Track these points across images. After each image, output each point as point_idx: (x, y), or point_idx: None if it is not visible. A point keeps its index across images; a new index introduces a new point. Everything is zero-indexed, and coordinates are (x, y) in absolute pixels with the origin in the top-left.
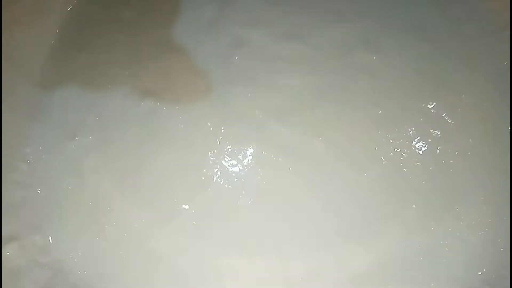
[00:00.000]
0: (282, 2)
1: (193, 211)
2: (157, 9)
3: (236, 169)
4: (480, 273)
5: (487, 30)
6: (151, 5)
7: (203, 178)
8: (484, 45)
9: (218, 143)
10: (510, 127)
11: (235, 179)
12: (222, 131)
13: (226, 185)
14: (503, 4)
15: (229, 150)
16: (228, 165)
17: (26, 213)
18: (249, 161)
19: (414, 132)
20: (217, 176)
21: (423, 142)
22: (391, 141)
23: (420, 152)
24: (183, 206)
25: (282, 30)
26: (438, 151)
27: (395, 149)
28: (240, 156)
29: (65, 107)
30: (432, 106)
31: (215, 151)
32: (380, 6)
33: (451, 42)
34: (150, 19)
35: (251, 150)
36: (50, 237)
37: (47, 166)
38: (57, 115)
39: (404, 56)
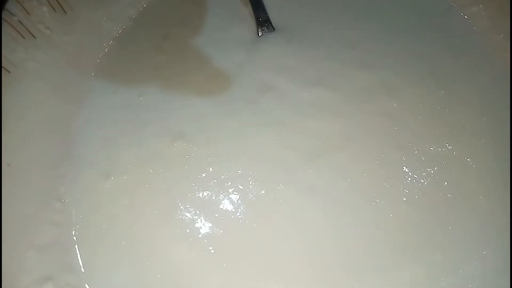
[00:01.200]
0: (306, 50)
1: (223, 252)
2: (188, 54)
3: (265, 210)
4: None
5: (500, 78)
6: (183, 50)
7: (233, 217)
8: (497, 92)
9: (248, 184)
10: None
11: (265, 219)
12: (251, 172)
13: (255, 225)
14: None
15: (259, 192)
16: (258, 206)
17: (61, 252)
18: (279, 203)
19: (438, 175)
20: (248, 216)
21: (448, 186)
22: (415, 184)
23: (446, 195)
24: (210, 248)
25: (307, 76)
26: (464, 194)
27: (421, 192)
28: (269, 198)
29: (101, 147)
30: (454, 149)
31: (246, 193)
32: (399, 55)
33: (467, 89)
34: (181, 64)
35: (280, 192)
36: (83, 276)
37: (82, 205)
38: (93, 155)
39: (423, 102)
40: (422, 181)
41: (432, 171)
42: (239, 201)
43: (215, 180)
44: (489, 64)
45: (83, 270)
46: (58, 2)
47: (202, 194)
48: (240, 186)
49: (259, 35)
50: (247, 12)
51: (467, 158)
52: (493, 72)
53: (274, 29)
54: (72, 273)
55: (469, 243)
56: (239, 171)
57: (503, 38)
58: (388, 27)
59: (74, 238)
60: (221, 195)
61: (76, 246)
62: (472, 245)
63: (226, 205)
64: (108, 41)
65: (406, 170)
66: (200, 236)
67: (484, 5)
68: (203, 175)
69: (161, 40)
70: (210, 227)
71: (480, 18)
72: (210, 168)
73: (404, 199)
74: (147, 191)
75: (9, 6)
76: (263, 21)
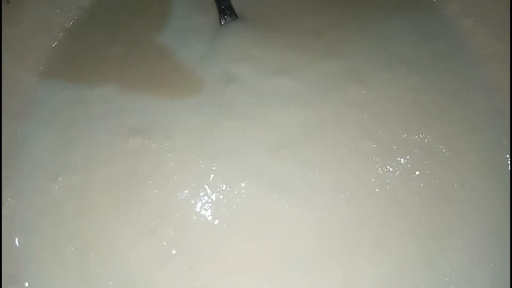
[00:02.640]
0: (271, 38)
1: (183, 254)
2: (145, 44)
3: (229, 207)
4: None
5: (472, 63)
6: (140, 41)
7: (194, 217)
8: (469, 77)
9: (210, 180)
10: (510, 156)
11: (229, 218)
12: (214, 168)
13: (219, 225)
14: (486, 38)
15: (222, 187)
16: (221, 204)
17: (3, 262)
18: (243, 199)
19: (410, 164)
20: (210, 216)
21: (421, 175)
22: (387, 174)
23: (418, 185)
24: (173, 251)
25: (271, 66)
26: (436, 183)
27: (393, 183)
28: (233, 194)
29: (48, 146)
30: (426, 137)
31: (207, 189)
32: (367, 41)
33: (438, 74)
34: (139, 55)
35: (245, 187)
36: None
37: (27, 210)
38: (39, 154)
39: (394, 89)
40: (393, 171)
41: (403, 160)
42: (201, 199)
43: (175, 177)
44: (460, 48)
45: (27, 284)
46: None
47: (160, 193)
48: (202, 183)
49: (222, 23)
50: None
51: (440, 146)
52: (464, 57)
53: (237, 17)
54: (16, 283)
55: (444, 234)
56: (202, 166)
57: (474, 22)
58: (355, 13)
59: (17, 245)
60: (182, 193)
61: (20, 256)
62: (447, 236)
63: (186, 203)
64: (58, 33)
65: (377, 160)
66: (159, 238)
67: None
68: (162, 172)
69: (117, 31)
70: (170, 228)
71: (450, 2)
72: (171, 163)
73: (376, 190)
74: (99, 192)
75: None
76: (225, 9)
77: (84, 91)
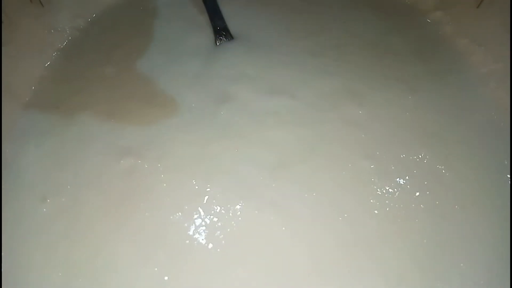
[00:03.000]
0: (267, 58)
1: (176, 281)
2: (139, 64)
3: (224, 231)
4: None
5: (470, 82)
6: (133, 60)
7: (187, 241)
8: (466, 95)
9: (204, 202)
10: (510, 176)
11: (223, 242)
12: (208, 189)
13: (213, 249)
14: (482, 57)
15: (216, 209)
16: (216, 227)
17: None
18: (239, 221)
19: (409, 185)
20: (203, 239)
21: (421, 196)
22: (386, 195)
23: (418, 206)
24: (165, 277)
25: (267, 85)
26: (437, 204)
27: (392, 204)
28: (228, 216)
29: (37, 167)
30: (425, 157)
31: (201, 211)
32: (363, 61)
33: (436, 94)
34: (132, 74)
35: (240, 209)
36: None
37: (13, 233)
38: (27, 175)
39: (391, 108)
40: (392, 192)
41: (403, 181)
42: (195, 222)
43: (168, 199)
44: (457, 67)
45: None
46: None
47: (152, 215)
48: (196, 205)
49: (217, 44)
50: (204, 20)
51: (439, 166)
52: (461, 76)
53: (232, 37)
54: None
55: (446, 258)
56: (196, 187)
57: (469, 41)
58: (351, 32)
59: (4, 272)
60: (175, 216)
61: (4, 282)
62: (449, 260)
63: (180, 227)
64: (51, 53)
65: (375, 181)
66: (151, 264)
67: (447, 10)
68: (154, 193)
69: (111, 51)
70: (163, 253)
71: (445, 23)
72: (164, 184)
73: (375, 211)
74: (88, 215)
75: None
76: (221, 30)
77: (76, 111)
